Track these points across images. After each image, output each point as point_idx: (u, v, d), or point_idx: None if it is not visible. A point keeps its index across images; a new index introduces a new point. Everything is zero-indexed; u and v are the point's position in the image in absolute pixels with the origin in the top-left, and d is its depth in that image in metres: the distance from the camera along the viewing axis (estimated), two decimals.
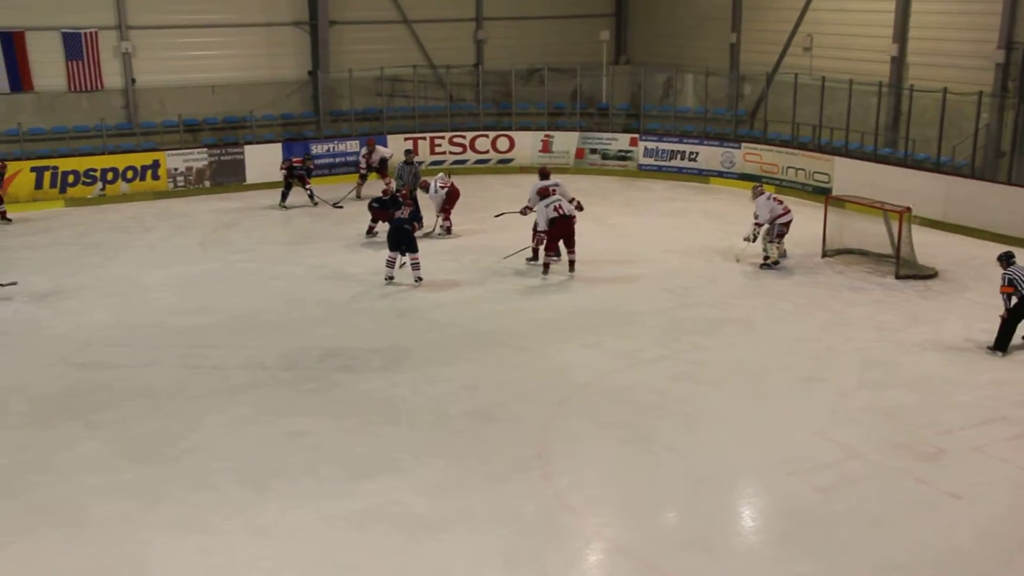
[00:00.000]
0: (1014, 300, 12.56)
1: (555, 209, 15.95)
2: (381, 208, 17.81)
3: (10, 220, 20.13)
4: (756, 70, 24.74)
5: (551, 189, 16.51)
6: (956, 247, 17.81)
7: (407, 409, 11.21)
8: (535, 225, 16.49)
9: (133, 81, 23.78)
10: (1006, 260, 12.87)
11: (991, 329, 12.87)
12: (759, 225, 16.50)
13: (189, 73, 24.23)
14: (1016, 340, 12.77)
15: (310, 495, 9.32)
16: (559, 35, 28.00)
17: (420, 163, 22.40)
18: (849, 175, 20.78)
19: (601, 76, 27.11)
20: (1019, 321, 12.68)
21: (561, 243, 16.27)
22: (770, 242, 16.52)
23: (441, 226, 18.74)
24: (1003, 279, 12.65)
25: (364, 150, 22.10)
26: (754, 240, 16.57)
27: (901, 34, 21.51)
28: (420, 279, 15.73)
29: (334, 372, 12.30)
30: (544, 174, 17.39)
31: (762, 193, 16.81)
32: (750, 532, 9.04)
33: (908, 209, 16.00)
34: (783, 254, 16.79)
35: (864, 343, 13.22)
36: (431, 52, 26.76)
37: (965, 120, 19.84)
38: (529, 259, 16.75)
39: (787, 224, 16.53)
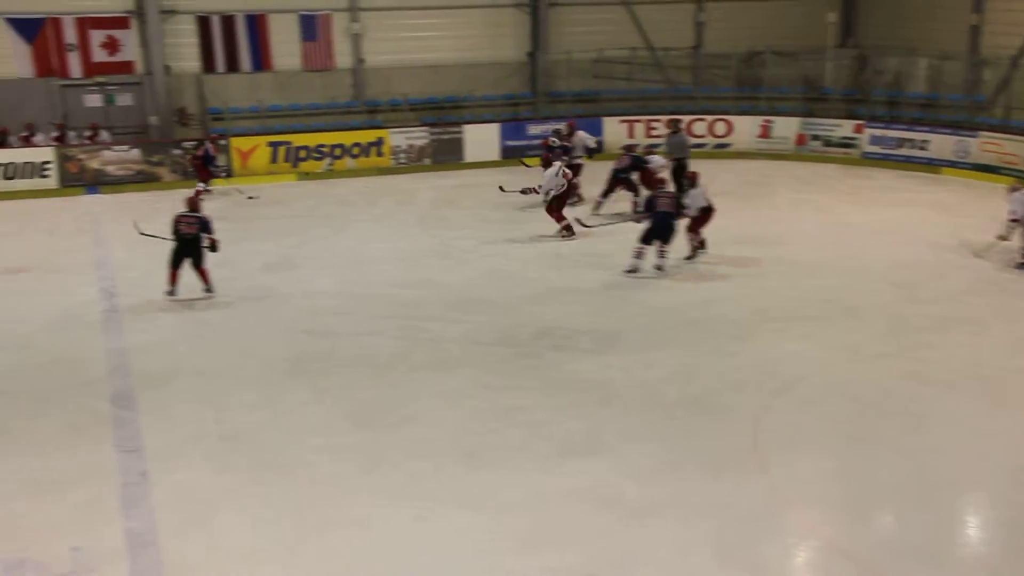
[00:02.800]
0: None
1: (564, 175, 17.06)
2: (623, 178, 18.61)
3: (254, 197, 21.03)
4: (999, 53, 23.18)
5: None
6: None
7: (619, 392, 11.19)
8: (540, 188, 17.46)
9: (361, 61, 24.75)
10: None
11: None
12: (1015, 221, 15.44)
13: (413, 53, 25.04)
14: None
15: (523, 470, 9.42)
16: (782, 17, 27.17)
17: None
18: None
19: (824, 60, 26.15)
20: None
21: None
22: None
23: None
24: None
25: (564, 130, 20.47)
26: (1009, 238, 15.50)
27: None
28: (661, 268, 15.31)
29: (547, 351, 12.40)
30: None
31: (1018, 189, 15.72)
32: (978, 543, 8.53)
33: None
34: None
35: None
36: (649, 34, 26.53)
37: None
38: (565, 235, 17.32)
39: None
